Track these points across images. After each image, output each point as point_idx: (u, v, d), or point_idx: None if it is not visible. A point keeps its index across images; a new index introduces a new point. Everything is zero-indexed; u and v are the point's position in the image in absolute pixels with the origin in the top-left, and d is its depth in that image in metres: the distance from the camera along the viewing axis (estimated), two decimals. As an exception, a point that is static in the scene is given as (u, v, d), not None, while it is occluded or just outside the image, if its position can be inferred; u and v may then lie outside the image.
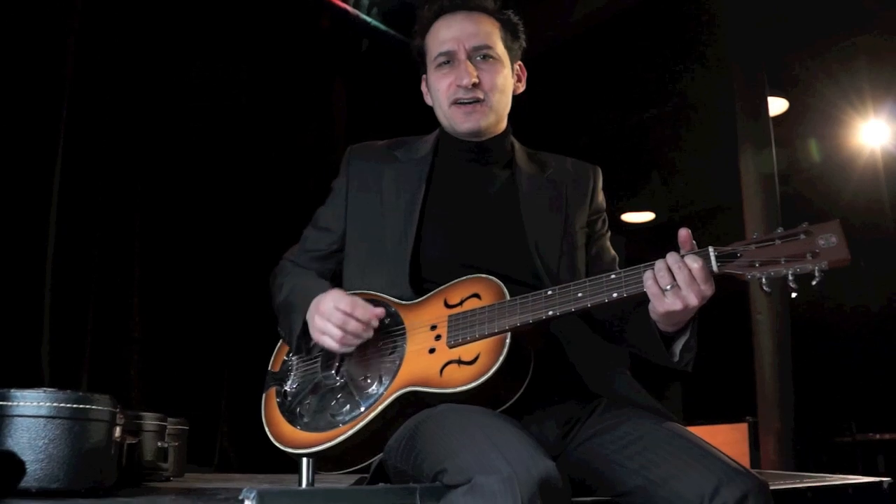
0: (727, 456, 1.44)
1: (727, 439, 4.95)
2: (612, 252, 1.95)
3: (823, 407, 6.15)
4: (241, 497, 1.19)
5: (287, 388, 1.78)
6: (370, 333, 1.66)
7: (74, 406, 1.42)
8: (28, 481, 1.35)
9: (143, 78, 4.08)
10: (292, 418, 1.73)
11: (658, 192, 7.71)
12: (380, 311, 1.66)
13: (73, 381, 3.55)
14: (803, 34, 5.26)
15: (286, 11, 4.71)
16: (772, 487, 1.40)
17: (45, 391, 1.40)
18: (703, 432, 1.57)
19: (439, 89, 1.88)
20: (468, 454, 1.27)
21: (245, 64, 4.55)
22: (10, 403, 1.38)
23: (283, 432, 1.72)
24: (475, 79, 1.82)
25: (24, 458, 1.36)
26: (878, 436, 5.93)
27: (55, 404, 1.40)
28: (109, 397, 1.49)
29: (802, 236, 1.42)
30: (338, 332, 1.64)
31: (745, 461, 2.63)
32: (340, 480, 1.83)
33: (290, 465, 1.70)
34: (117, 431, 1.54)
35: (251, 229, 4.42)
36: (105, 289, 3.81)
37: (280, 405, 1.77)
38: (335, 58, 5.09)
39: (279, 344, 1.89)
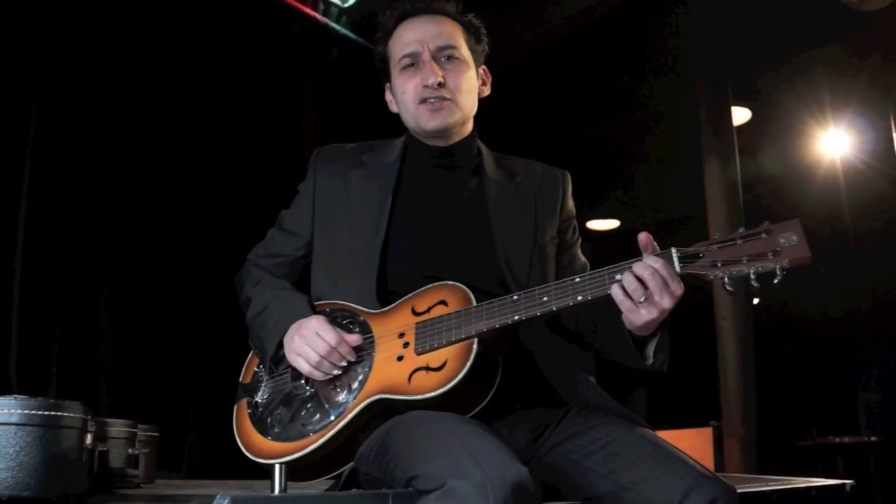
0: (696, 461, 1.45)
1: (692, 444, 5.01)
2: (583, 259, 1.94)
3: (786, 411, 6.27)
4: (214, 503, 1.20)
5: (258, 399, 1.78)
6: (344, 365, 1.67)
7: (45, 413, 1.41)
8: (-2, 489, 1.35)
9: (112, 86, 4.05)
10: (263, 429, 1.73)
11: (624, 200, 7.80)
12: (353, 355, 1.67)
13: (41, 387, 3.51)
14: (766, 46, 5.36)
15: (257, 18, 4.71)
16: (738, 491, 1.42)
17: (16, 398, 1.39)
18: (667, 437, 1.57)
19: (405, 91, 1.85)
20: (441, 460, 1.28)
21: (216, 69, 4.53)
22: (-20, 410, 1.37)
23: (255, 443, 1.72)
24: (440, 78, 1.80)
25: (-6, 465, 1.35)
26: (837, 439, 6.05)
27: (26, 411, 1.39)
28: (80, 404, 1.49)
29: (763, 235, 1.45)
30: (316, 359, 1.65)
31: (709, 465, 2.67)
32: (313, 486, 1.83)
33: (260, 471, 1.70)
34: (88, 438, 1.53)
35: (219, 235, 4.38)
36: (74, 294, 3.77)
37: (251, 416, 1.77)
38: (305, 64, 5.11)
39: (250, 355, 1.88)
